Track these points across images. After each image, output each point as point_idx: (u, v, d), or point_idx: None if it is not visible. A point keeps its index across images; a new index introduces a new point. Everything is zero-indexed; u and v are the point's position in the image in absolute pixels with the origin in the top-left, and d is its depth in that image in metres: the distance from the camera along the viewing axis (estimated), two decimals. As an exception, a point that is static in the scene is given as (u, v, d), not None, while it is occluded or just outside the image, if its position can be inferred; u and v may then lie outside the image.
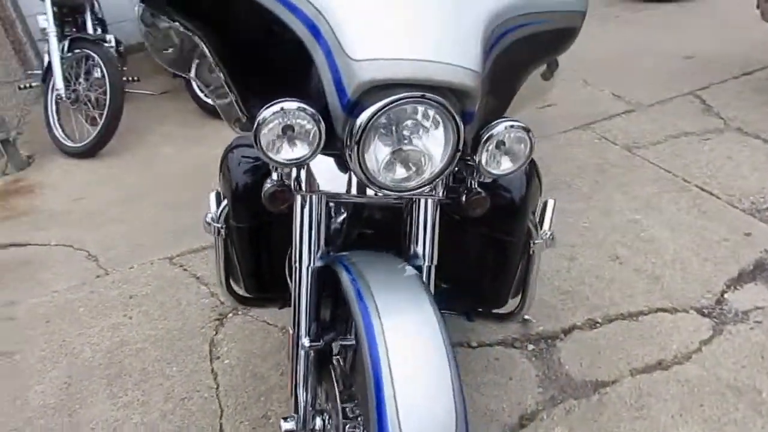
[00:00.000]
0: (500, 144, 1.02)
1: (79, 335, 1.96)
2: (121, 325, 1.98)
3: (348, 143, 0.91)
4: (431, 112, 0.92)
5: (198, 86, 3.35)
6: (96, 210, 2.78)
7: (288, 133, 0.92)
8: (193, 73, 1.07)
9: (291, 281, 1.14)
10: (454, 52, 0.91)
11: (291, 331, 1.11)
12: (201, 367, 1.77)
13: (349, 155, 0.92)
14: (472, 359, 1.69)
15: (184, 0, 0.97)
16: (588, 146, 2.72)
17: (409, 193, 1.00)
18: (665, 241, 2.04)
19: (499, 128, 1.00)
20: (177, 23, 1.01)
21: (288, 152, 0.94)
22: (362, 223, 1.34)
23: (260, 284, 1.41)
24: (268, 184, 1.02)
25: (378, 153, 0.94)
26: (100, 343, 1.92)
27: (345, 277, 1.05)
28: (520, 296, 1.43)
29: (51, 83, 3.36)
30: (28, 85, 3.75)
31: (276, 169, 1.00)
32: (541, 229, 1.40)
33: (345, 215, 1.34)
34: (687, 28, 4.05)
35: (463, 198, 1.08)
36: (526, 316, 1.74)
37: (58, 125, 3.43)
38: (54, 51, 3.29)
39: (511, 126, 1.01)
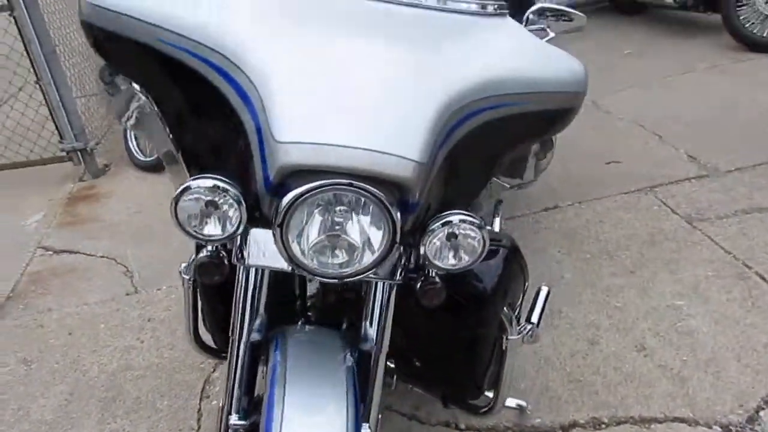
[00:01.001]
0: (452, 236, 0.94)
1: (93, 352, 2.04)
2: (132, 348, 2.04)
3: (273, 224, 0.87)
4: (364, 201, 0.86)
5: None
6: (146, 225, 2.91)
7: (209, 208, 0.90)
8: (147, 136, 1.07)
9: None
10: (390, 140, 0.85)
11: (220, 404, 1.08)
12: (190, 405, 1.78)
13: (274, 235, 0.88)
14: (456, 442, 1.58)
15: (135, 61, 0.97)
16: (644, 213, 2.50)
17: (346, 279, 0.94)
18: (704, 336, 1.82)
19: (448, 221, 0.93)
20: (133, 84, 1.02)
21: (209, 228, 0.91)
22: (340, 289, 1.29)
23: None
24: (202, 253, 0.99)
25: (309, 235, 0.89)
26: (109, 363, 1.98)
27: (271, 358, 1.01)
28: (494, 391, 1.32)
29: (131, 99, 3.57)
30: (117, 97, 4.03)
31: None
32: (528, 321, 1.27)
33: (318, 283, 1.29)
34: (792, 84, 3.66)
35: (418, 285, 1.01)
36: (521, 403, 1.61)
37: (133, 138, 3.65)
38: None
39: (462, 221, 0.93)
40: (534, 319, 1.29)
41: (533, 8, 1.27)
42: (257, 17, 0.92)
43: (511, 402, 1.56)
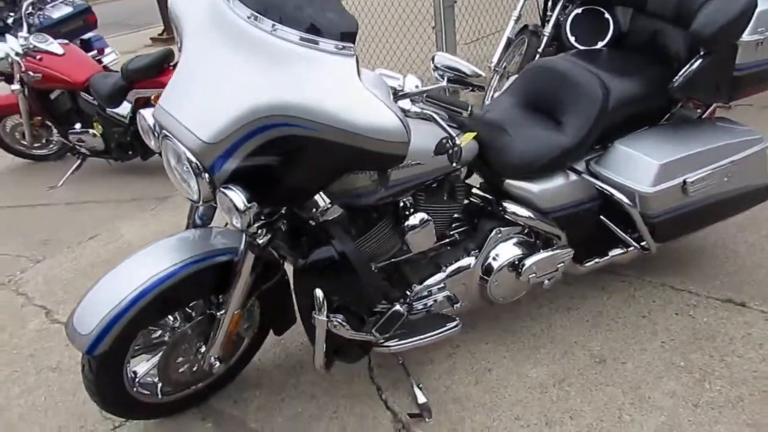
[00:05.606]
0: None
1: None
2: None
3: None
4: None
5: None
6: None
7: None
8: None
9: None
10: (195, 120, 1.31)
11: None
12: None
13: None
14: None
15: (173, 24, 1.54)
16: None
17: (194, 203, 1.51)
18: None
19: (222, 190, 1.36)
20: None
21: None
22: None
23: None
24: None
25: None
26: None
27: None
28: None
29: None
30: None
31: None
32: (376, 331, 1.75)
33: None
34: None
35: None
36: None
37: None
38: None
39: (228, 191, 1.35)
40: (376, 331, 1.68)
41: (437, 58, 1.44)
42: (192, 18, 1.44)
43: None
